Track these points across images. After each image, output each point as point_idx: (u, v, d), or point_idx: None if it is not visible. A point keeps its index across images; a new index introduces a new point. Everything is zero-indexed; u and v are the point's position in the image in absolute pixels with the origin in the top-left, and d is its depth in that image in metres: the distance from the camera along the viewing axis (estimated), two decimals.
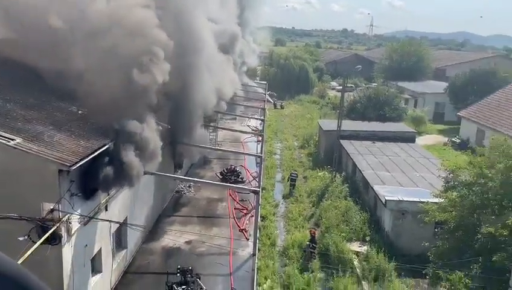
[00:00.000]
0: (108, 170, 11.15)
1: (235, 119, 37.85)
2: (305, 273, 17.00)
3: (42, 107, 12.42)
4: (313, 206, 23.73)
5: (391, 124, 35.58)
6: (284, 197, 25.90)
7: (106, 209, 12.65)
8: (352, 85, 63.99)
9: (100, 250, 12.54)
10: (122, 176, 11.65)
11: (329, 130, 31.03)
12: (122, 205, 14.09)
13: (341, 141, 28.70)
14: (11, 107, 11.47)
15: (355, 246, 18.83)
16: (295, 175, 26.78)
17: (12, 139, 9.64)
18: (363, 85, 64.53)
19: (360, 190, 24.17)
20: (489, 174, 12.24)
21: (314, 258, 18.00)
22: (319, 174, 27.85)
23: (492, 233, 10.89)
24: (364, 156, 26.43)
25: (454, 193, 13.44)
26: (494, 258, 10.69)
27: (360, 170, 24.29)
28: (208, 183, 21.71)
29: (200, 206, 21.33)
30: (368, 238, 19.09)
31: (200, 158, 27.66)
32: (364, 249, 18.42)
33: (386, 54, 68.02)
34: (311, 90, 66.13)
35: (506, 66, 52.93)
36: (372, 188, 21.39)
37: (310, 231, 19.32)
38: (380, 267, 16.38)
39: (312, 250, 18.04)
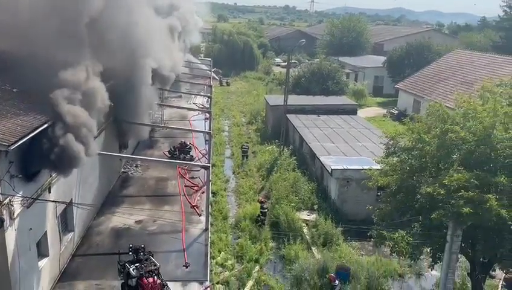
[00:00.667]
0: (48, 150, 10.59)
1: (180, 97, 37.11)
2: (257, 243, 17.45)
3: None
4: (263, 179, 24.18)
5: (334, 97, 36.72)
6: (235, 172, 26.15)
7: (49, 191, 12.10)
8: (296, 61, 64.90)
9: (46, 233, 12.03)
10: (63, 157, 11.11)
11: (275, 105, 31.46)
12: (66, 186, 13.52)
13: (288, 115, 29.23)
14: None
15: (304, 215, 19.54)
16: (246, 147, 28.32)
17: None
18: (307, 61, 65.66)
19: (307, 161, 24.91)
20: (427, 139, 13.06)
21: (264, 224, 18.75)
22: (268, 148, 28.32)
23: (431, 193, 11.70)
24: (310, 129, 27.18)
25: (395, 158, 14.24)
26: (432, 216, 11.53)
27: (306, 143, 24.98)
28: (157, 161, 21.31)
29: (149, 185, 20.91)
30: (316, 207, 19.86)
31: (146, 138, 27.08)
32: (312, 217, 19.17)
33: (327, 30, 69.49)
34: (256, 66, 66.30)
35: (439, 40, 56.14)
36: (318, 159, 22.13)
37: (259, 200, 20.34)
38: (328, 233, 17.16)
39: (263, 217, 18.73)
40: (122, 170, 22.05)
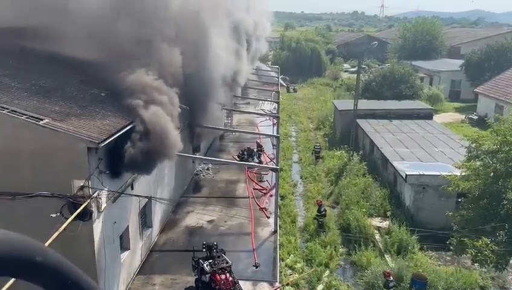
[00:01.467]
0: (134, 148, 11.34)
1: (248, 103, 37.83)
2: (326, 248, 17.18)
3: (65, 90, 12.67)
4: (332, 184, 23.81)
5: (407, 102, 35.22)
6: (302, 177, 26.04)
7: (132, 188, 12.91)
8: (365, 66, 63.36)
9: (128, 227, 12.84)
10: (146, 157, 11.82)
11: (344, 109, 30.91)
12: (146, 185, 14.34)
13: (357, 120, 28.57)
14: (37, 90, 11.73)
15: (376, 221, 18.91)
16: (319, 148, 28.73)
17: (41, 119, 9.88)
18: (377, 66, 63.82)
19: (378, 167, 24.14)
20: None
21: (323, 228, 18.61)
22: (336, 153, 27.86)
23: None
24: (382, 134, 26.31)
25: (478, 162, 13.36)
26: None
27: (378, 148, 24.22)
28: (228, 163, 21.88)
29: (220, 187, 21.55)
30: (388, 214, 19.14)
31: (216, 142, 27.95)
32: (385, 224, 18.48)
33: (399, 33, 67.02)
34: (324, 73, 65.65)
35: None
36: (391, 164, 21.35)
37: (317, 201, 20.05)
38: (402, 240, 16.45)
39: (320, 219, 18.67)
40: (195, 172, 22.94)
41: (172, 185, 18.28)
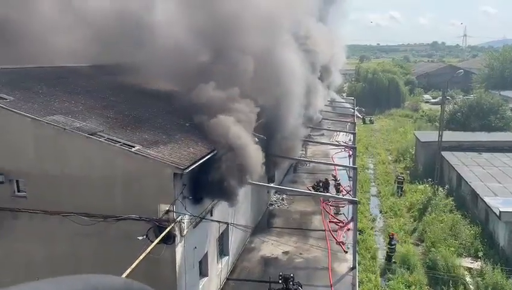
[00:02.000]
0: (215, 176, 11.67)
1: (323, 135, 37.47)
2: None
3: (154, 120, 13.55)
4: (415, 220, 22.42)
5: (498, 133, 32.60)
6: (382, 211, 24.86)
7: (211, 214, 13.21)
8: (449, 97, 60.22)
9: (207, 254, 13.06)
10: (227, 183, 12.09)
11: (427, 141, 29.36)
12: (224, 212, 14.60)
13: (442, 152, 26.91)
14: (129, 121, 12.69)
15: (466, 262, 17.31)
16: (402, 178, 27.53)
17: (133, 146, 10.61)
18: (461, 96, 60.34)
19: (467, 203, 22.33)
20: None
21: (393, 261, 17.77)
22: (419, 187, 26.34)
23: None
24: (470, 167, 24.46)
25: None
26: None
27: (466, 182, 22.49)
28: (303, 193, 21.61)
29: (294, 218, 21.27)
30: (480, 254, 17.44)
31: (290, 173, 27.88)
32: (477, 264, 16.84)
33: (486, 62, 63.16)
34: (403, 104, 63.44)
35: None
36: (482, 199, 19.64)
37: (390, 234, 19.35)
38: (497, 283, 14.83)
39: (390, 253, 17.99)
40: (270, 202, 22.96)
41: (248, 214, 18.41)
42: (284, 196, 23.44)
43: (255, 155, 13.40)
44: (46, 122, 10.53)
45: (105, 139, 10.53)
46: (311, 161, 26.86)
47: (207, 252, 13.11)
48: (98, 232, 10.78)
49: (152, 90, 15.57)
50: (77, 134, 10.45)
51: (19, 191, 11.24)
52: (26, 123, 10.55)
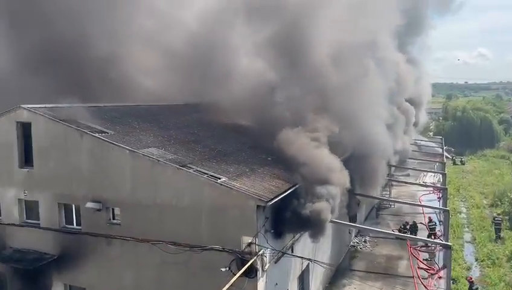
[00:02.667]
0: (298, 211, 11.53)
1: (408, 175, 35.52)
2: None
3: (238, 154, 13.95)
4: None
5: None
6: (478, 259, 22.52)
7: (292, 251, 12.95)
8: None
9: None
10: (310, 219, 11.86)
11: None
12: (305, 250, 14.25)
13: None
14: (215, 154, 13.20)
15: None
16: (500, 219, 25.70)
17: (219, 178, 10.94)
18: None
19: None
20: None
21: None
22: None
23: None
24: None
25: None
26: None
27: None
28: (390, 235, 20.44)
29: (379, 262, 20.09)
30: None
31: (372, 213, 26.63)
32: None
33: None
34: (497, 144, 58.49)
35: None
36: None
37: (468, 278, 18.42)
38: None
39: None
40: (351, 243, 22.00)
41: (329, 254, 17.76)
42: (367, 238, 22.37)
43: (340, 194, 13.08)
44: (142, 154, 11.32)
45: (194, 171, 11.00)
46: (397, 201, 25.48)
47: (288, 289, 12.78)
48: (184, 261, 11.09)
49: (235, 125, 16.18)
50: (169, 165, 11.07)
51: (113, 219, 12.05)
52: (124, 155, 11.44)
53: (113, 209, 12.04)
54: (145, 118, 15.38)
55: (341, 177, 13.18)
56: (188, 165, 11.33)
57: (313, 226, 11.67)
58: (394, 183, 29.65)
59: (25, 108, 12.44)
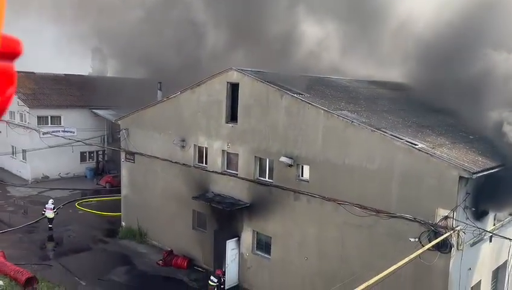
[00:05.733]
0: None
1: None
2: None
3: (435, 128, 12.94)
4: None
5: None
6: None
7: (490, 241, 11.49)
8: None
9: (479, 283, 11.40)
10: None
11: None
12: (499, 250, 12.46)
13: None
14: (409, 124, 12.56)
15: None
16: None
17: (417, 145, 10.35)
18: None
19: None
20: None
21: None
22: None
23: None
24: None
25: None
26: None
27: None
28: None
29: None
30: None
31: None
32: None
33: None
34: None
35: None
36: None
37: None
38: None
39: None
40: None
41: None
42: None
43: None
44: (337, 115, 11.51)
45: (389, 135, 10.67)
46: None
47: (480, 281, 11.42)
48: (368, 225, 10.92)
49: (434, 106, 14.94)
50: (363, 127, 10.99)
51: (302, 175, 12.62)
52: (319, 114, 11.82)
53: (302, 166, 12.61)
54: (335, 88, 15.64)
55: None
56: (383, 129, 11.03)
57: None
58: None
59: (235, 69, 13.97)
